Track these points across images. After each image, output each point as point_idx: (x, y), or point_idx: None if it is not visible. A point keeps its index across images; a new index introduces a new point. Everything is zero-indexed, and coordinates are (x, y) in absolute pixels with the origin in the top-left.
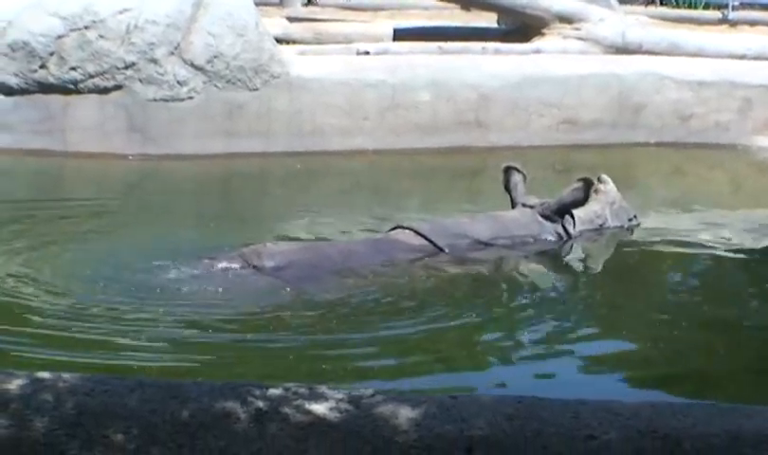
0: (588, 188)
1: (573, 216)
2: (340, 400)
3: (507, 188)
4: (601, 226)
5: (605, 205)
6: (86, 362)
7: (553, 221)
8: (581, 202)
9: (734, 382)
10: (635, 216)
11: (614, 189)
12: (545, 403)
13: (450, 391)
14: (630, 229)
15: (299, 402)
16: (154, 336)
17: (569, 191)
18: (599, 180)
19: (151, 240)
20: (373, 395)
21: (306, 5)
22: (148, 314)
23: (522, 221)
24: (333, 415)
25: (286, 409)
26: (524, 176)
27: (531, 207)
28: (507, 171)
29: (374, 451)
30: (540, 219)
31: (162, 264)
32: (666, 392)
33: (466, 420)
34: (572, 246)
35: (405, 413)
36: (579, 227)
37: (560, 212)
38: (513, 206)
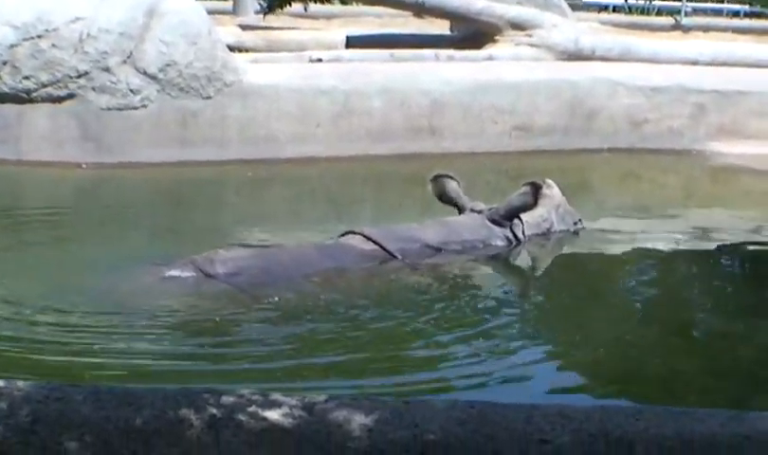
0: (536, 191)
1: (521, 220)
2: (294, 406)
3: (444, 197)
4: (548, 230)
5: (551, 209)
6: (40, 370)
7: (501, 225)
8: (530, 206)
9: (687, 385)
10: (580, 220)
11: (559, 193)
12: (498, 407)
13: (404, 397)
14: (576, 233)
15: (252, 408)
16: (107, 344)
17: (517, 195)
18: (544, 184)
19: (104, 248)
20: (326, 401)
21: (266, 14)
22: (101, 322)
23: (472, 226)
24: (286, 421)
25: (240, 416)
26: (458, 182)
27: (479, 212)
28: (438, 179)
29: None
30: (489, 224)
31: (115, 273)
32: (618, 396)
33: (420, 425)
34: (521, 251)
35: (358, 419)
36: (528, 232)
37: (509, 216)
38: (460, 212)
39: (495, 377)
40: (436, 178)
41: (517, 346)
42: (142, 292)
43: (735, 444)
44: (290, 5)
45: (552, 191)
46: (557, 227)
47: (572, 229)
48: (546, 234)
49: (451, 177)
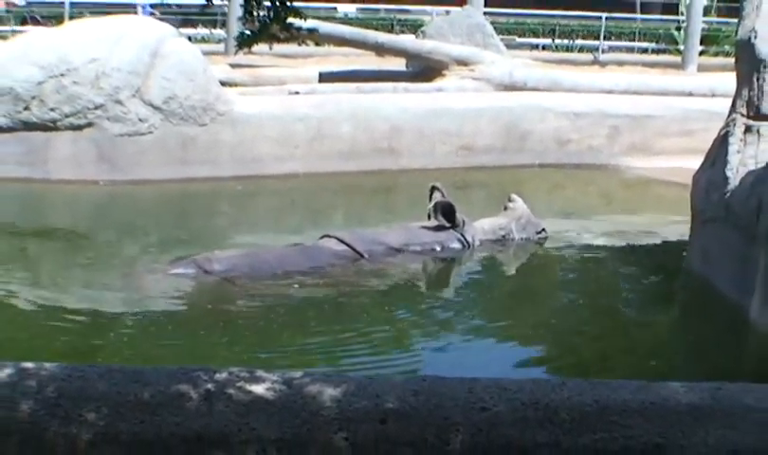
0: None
1: (471, 225)
2: (275, 381)
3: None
4: (504, 237)
5: (511, 219)
6: (64, 353)
7: (454, 229)
8: (447, 204)
9: (605, 360)
10: (544, 230)
11: (523, 206)
12: (446, 380)
13: (368, 374)
14: (539, 241)
15: (241, 383)
16: (122, 329)
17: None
18: (509, 199)
19: (120, 251)
20: (302, 377)
21: (237, 51)
22: (118, 312)
23: (431, 230)
24: (269, 394)
25: (231, 390)
26: (443, 193)
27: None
28: (432, 189)
29: (303, 423)
30: (445, 229)
31: (128, 271)
32: (546, 371)
33: (380, 396)
34: (473, 253)
35: (329, 391)
36: (481, 237)
37: (445, 216)
38: (429, 218)
39: (444, 357)
40: (432, 188)
41: (462, 332)
42: (152, 286)
43: (642, 408)
44: (257, 44)
45: (515, 205)
46: (517, 235)
47: (533, 238)
48: (503, 241)
49: (438, 189)
